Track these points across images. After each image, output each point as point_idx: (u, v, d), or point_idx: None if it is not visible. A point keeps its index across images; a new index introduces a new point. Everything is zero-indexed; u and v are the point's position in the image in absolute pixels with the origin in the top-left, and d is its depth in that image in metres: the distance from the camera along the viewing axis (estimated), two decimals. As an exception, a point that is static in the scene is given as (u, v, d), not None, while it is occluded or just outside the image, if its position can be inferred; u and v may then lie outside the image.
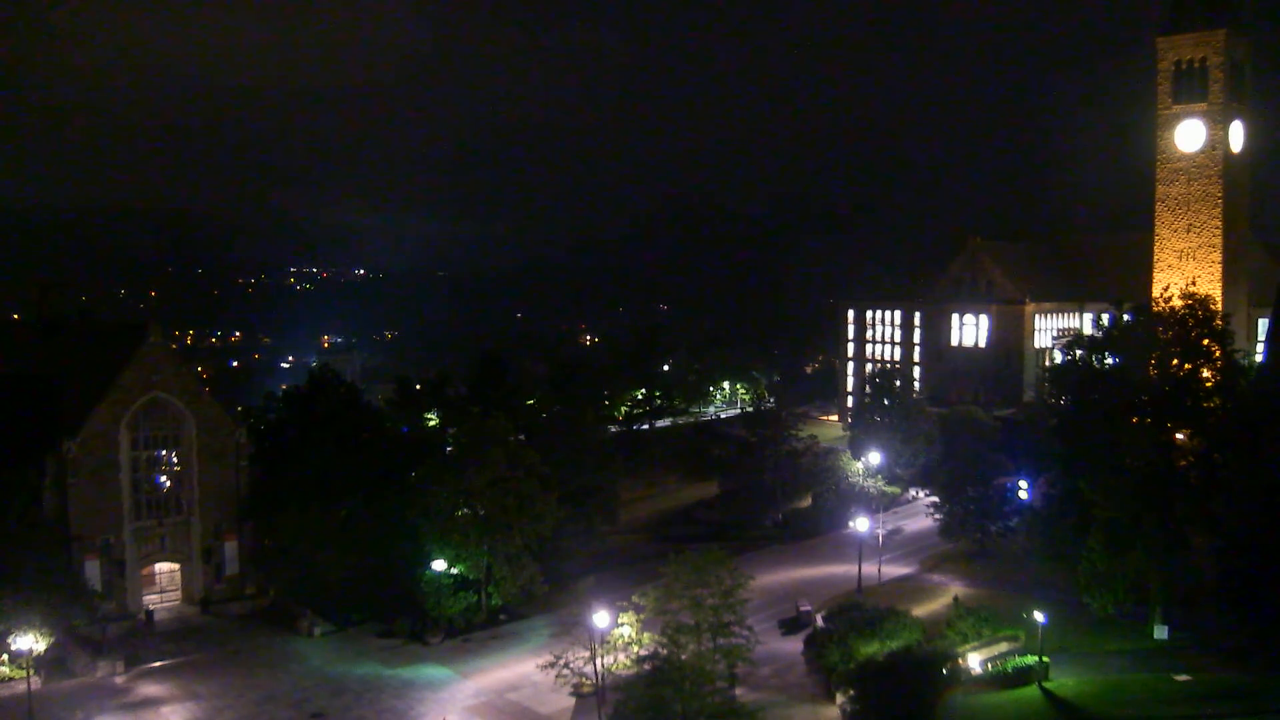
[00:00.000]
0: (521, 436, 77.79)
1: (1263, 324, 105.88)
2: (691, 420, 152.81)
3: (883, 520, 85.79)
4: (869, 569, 73.94)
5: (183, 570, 75.85)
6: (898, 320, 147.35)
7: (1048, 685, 54.08)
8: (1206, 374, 62.99)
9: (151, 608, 72.81)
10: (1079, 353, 66.59)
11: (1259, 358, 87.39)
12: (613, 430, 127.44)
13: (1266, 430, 58.56)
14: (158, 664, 64.22)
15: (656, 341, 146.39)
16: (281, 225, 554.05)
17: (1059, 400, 69.28)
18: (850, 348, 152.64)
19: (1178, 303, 63.39)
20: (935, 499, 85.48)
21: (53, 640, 60.11)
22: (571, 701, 56.11)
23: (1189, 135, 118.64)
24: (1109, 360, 65.58)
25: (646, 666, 50.32)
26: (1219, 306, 71.82)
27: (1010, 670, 55.12)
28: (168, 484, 75.26)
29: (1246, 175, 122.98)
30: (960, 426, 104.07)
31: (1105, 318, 68.05)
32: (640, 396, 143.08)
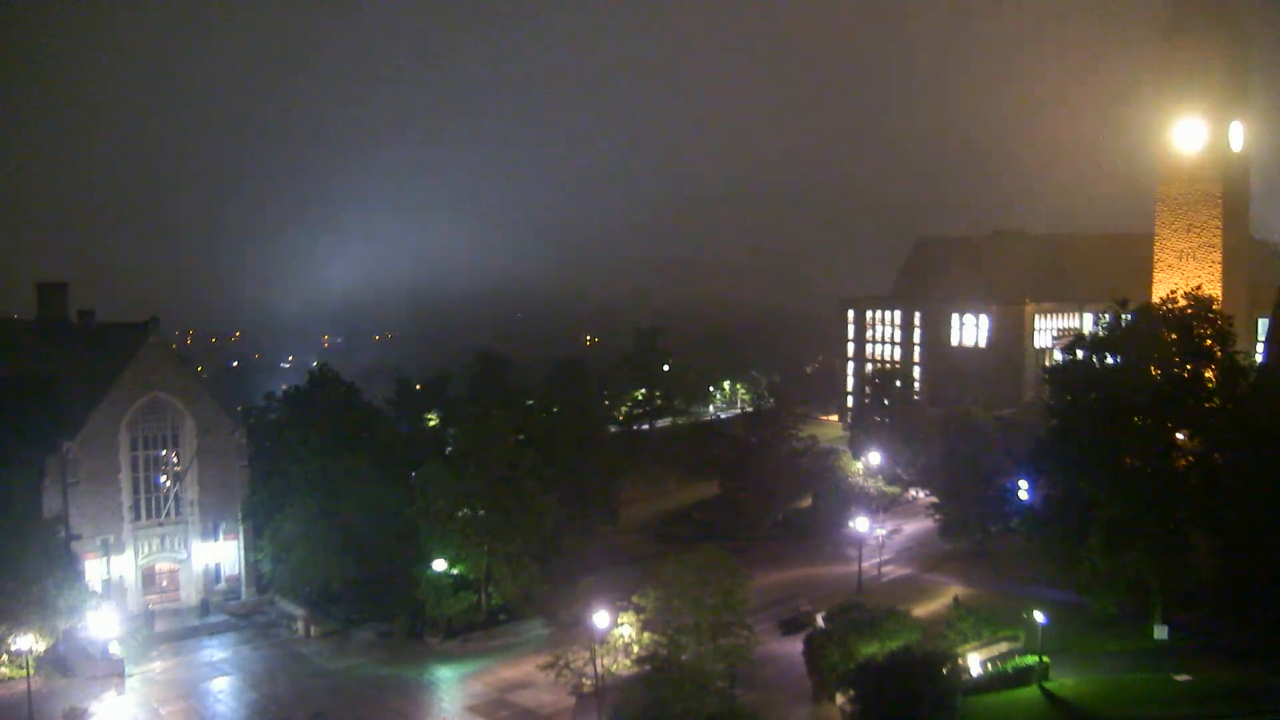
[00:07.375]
0: (521, 436, 77.67)
1: (1263, 324, 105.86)
2: (691, 420, 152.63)
3: (883, 520, 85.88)
4: (869, 569, 74.03)
5: (183, 570, 75.96)
6: (898, 320, 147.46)
7: (1048, 685, 54.18)
8: (1207, 374, 62.89)
9: (152, 608, 72.86)
10: (1079, 353, 66.43)
11: (1259, 358, 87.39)
12: (613, 430, 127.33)
13: (1267, 430, 58.55)
14: (158, 664, 64.29)
15: (656, 341, 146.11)
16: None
17: (1059, 400, 69.01)
18: (850, 348, 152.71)
19: (1181, 302, 63.27)
20: (935, 499, 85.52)
21: (53, 640, 60.17)
22: (571, 701, 56.05)
23: (1189, 135, 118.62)
24: (1109, 360, 65.46)
25: (646, 667, 50.31)
26: (1220, 307, 71.68)
27: (1010, 670, 55.17)
28: (168, 484, 75.36)
29: (1246, 175, 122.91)
30: (960, 426, 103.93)
31: (1106, 317, 67.75)
32: (640, 396, 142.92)
